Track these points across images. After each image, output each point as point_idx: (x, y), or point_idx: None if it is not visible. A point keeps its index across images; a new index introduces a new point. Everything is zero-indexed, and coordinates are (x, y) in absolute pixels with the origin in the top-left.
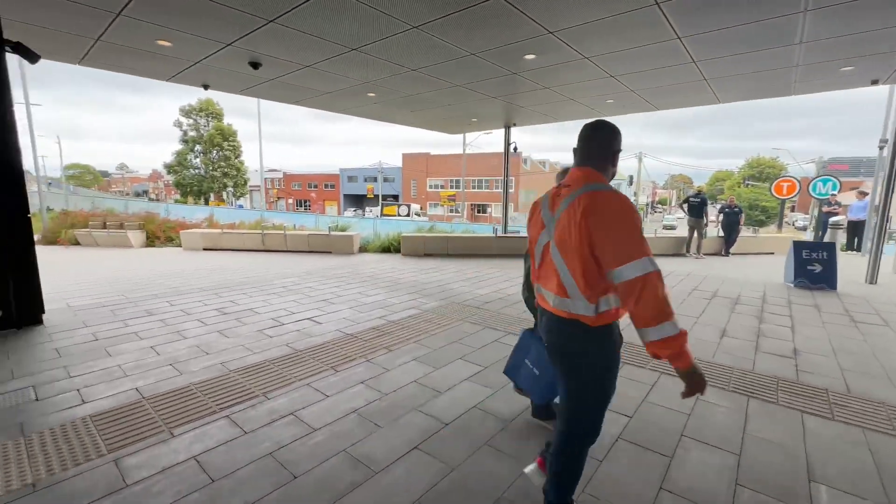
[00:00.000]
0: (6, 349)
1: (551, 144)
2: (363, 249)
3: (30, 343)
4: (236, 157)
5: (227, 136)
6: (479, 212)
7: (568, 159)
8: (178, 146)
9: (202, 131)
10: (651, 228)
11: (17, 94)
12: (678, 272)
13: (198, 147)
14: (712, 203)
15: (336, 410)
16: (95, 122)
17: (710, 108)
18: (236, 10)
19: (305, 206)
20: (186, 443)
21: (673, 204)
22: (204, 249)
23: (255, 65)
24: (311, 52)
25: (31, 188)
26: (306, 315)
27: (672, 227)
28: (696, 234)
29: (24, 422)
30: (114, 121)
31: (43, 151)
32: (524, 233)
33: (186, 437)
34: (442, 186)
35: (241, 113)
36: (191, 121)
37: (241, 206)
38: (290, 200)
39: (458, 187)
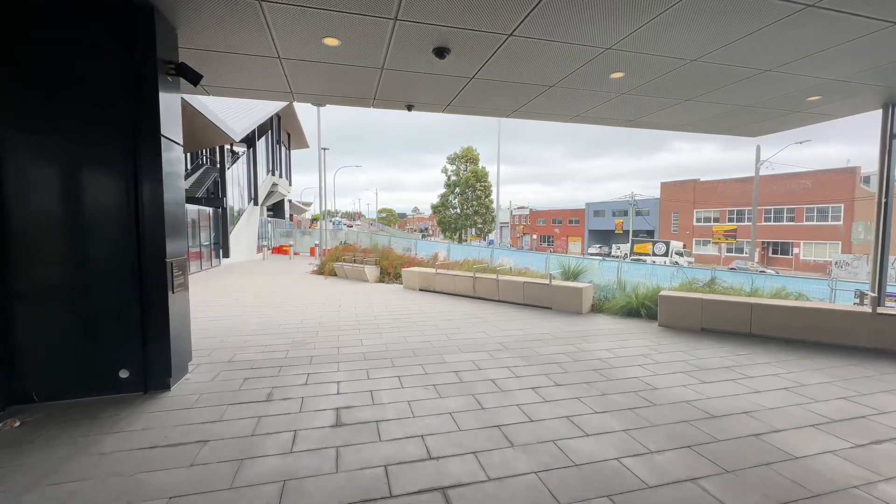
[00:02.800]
0: (88, 429)
1: None
2: (598, 307)
3: (114, 425)
4: (486, 197)
5: (479, 177)
6: (774, 252)
7: None
8: (444, 190)
9: (461, 175)
10: None
11: (324, 161)
12: None
13: (457, 190)
14: None
15: None
16: (406, 177)
17: None
18: None
19: (549, 241)
20: None
21: None
22: (420, 290)
23: (441, 51)
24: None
25: (302, 227)
26: (444, 473)
27: None
28: None
29: None
30: (417, 174)
31: (368, 200)
32: None
33: None
34: (715, 219)
35: (502, 159)
36: (454, 167)
37: (491, 242)
38: (535, 236)
39: (740, 220)
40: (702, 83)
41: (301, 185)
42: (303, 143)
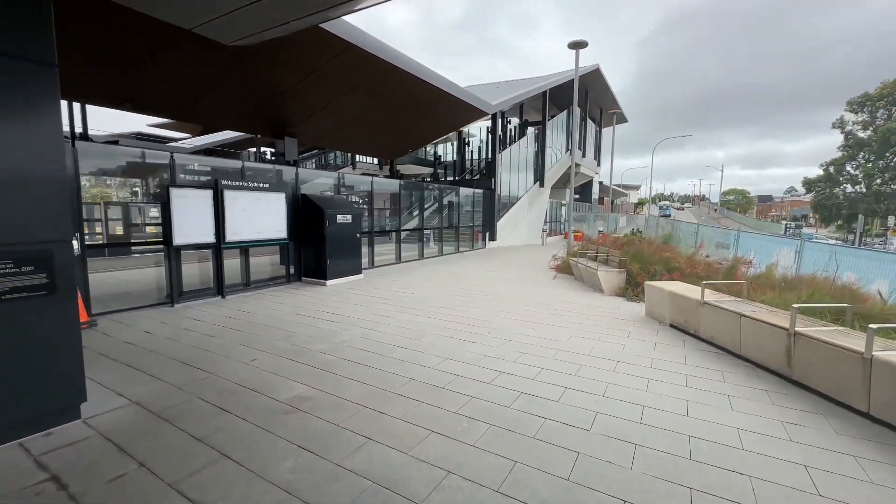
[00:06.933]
0: None
1: None
2: None
3: None
4: None
5: None
6: None
7: None
8: (837, 155)
9: (877, 128)
10: None
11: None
12: None
13: (861, 154)
14: None
15: None
16: (785, 147)
17: None
18: None
19: None
20: None
21: None
22: (670, 325)
23: None
24: None
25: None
26: None
27: None
28: None
29: None
30: (803, 142)
31: (719, 179)
32: None
33: None
34: None
35: None
36: (859, 117)
37: None
38: None
39: None
40: None
41: (628, 166)
42: (620, 119)
